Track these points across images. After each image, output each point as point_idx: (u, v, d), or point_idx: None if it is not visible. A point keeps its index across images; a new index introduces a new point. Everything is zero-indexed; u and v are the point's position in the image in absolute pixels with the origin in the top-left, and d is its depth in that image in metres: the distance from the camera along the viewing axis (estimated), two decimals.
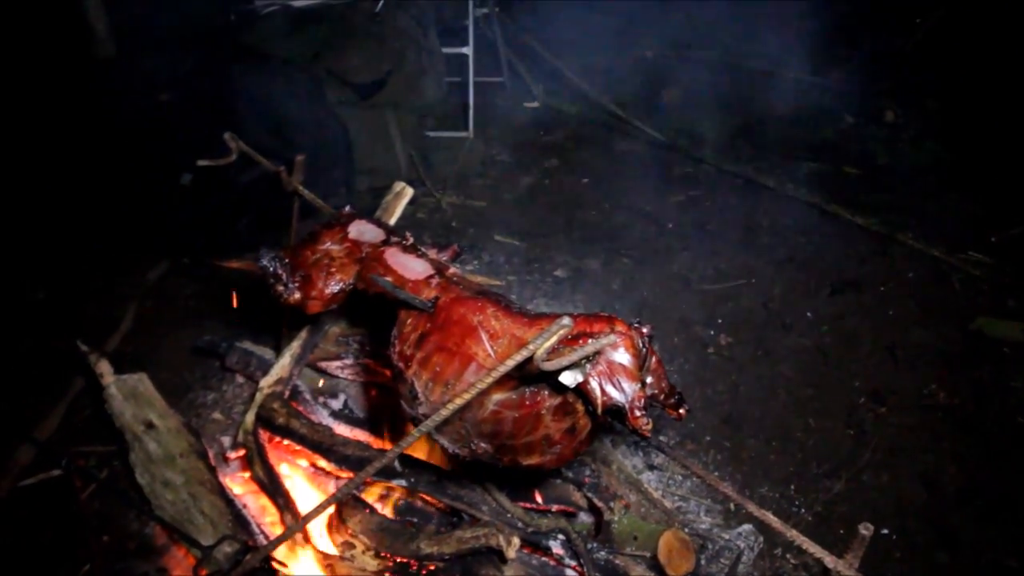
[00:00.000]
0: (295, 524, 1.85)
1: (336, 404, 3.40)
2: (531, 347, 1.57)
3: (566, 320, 1.56)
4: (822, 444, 3.64)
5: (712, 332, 4.34)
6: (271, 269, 2.41)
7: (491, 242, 5.16)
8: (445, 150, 6.41)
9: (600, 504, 2.79)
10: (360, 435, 3.12)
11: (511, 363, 1.58)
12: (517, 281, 4.72)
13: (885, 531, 3.22)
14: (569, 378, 1.73)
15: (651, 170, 6.16)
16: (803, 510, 3.31)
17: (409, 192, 3.42)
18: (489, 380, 1.61)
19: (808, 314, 4.49)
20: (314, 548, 2.62)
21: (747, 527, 2.66)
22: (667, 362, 4.02)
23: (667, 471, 3.43)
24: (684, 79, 7.39)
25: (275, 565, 2.52)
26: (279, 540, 1.93)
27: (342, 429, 3.12)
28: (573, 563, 2.52)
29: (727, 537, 2.65)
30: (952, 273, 4.80)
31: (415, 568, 2.54)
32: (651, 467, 3.44)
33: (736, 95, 7.21)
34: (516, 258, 4.97)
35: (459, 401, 1.63)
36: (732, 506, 3.26)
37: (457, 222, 5.45)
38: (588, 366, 1.74)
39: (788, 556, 3.10)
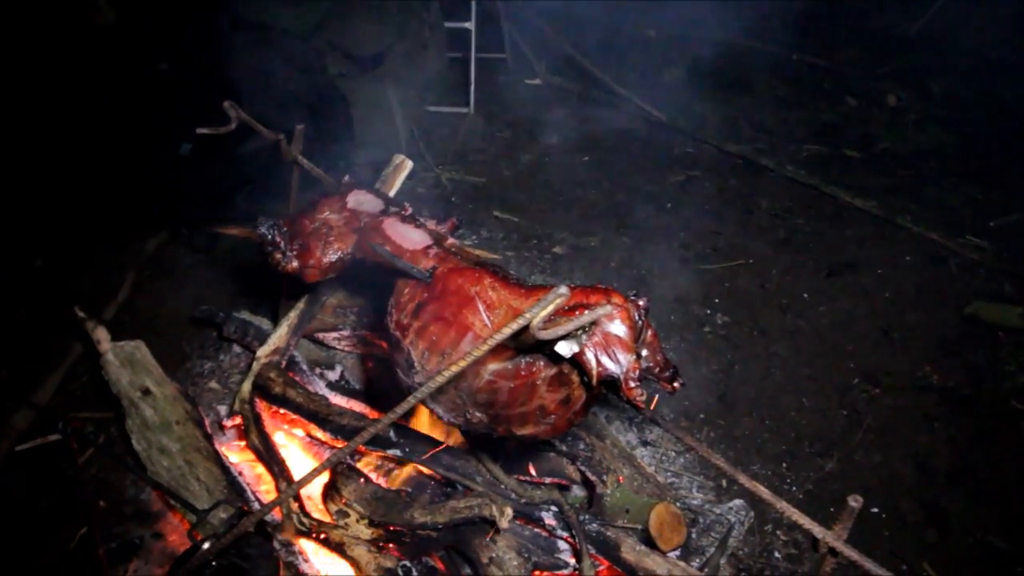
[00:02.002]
0: (289, 488, 1.86)
1: (333, 375, 3.42)
2: (527, 315, 1.57)
3: (563, 289, 1.56)
4: (815, 423, 3.66)
5: (709, 311, 4.35)
6: (269, 237, 2.41)
7: (490, 218, 5.15)
8: (446, 125, 6.38)
9: (593, 478, 2.81)
10: (356, 406, 3.13)
11: (507, 331, 1.59)
12: (515, 257, 4.72)
13: (875, 509, 3.26)
14: (565, 348, 1.74)
15: (651, 149, 6.15)
16: (794, 488, 3.34)
17: (408, 165, 3.41)
18: (485, 347, 1.61)
19: (805, 295, 4.50)
20: (309, 516, 2.64)
21: (738, 502, 2.69)
22: (663, 340, 4.03)
23: (660, 447, 3.45)
24: (686, 59, 7.34)
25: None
26: (273, 504, 1.95)
27: (338, 400, 3.14)
28: (565, 534, 2.54)
29: (718, 511, 2.67)
30: (950, 257, 4.81)
31: (409, 537, 2.57)
32: (645, 443, 3.46)
33: (738, 76, 7.18)
34: (515, 234, 4.97)
35: (455, 368, 1.63)
36: (724, 482, 3.29)
37: (456, 197, 5.45)
38: (584, 337, 1.75)
39: (778, 533, 3.13)
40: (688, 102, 6.82)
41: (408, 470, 2.82)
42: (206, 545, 2.01)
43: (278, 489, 2.75)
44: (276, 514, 2.72)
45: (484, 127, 6.48)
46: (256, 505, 2.76)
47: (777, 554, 3.05)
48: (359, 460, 2.89)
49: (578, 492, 2.92)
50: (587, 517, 2.56)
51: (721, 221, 5.23)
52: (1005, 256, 4.79)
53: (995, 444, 3.56)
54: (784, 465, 3.44)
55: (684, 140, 6.32)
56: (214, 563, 2.10)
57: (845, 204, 5.38)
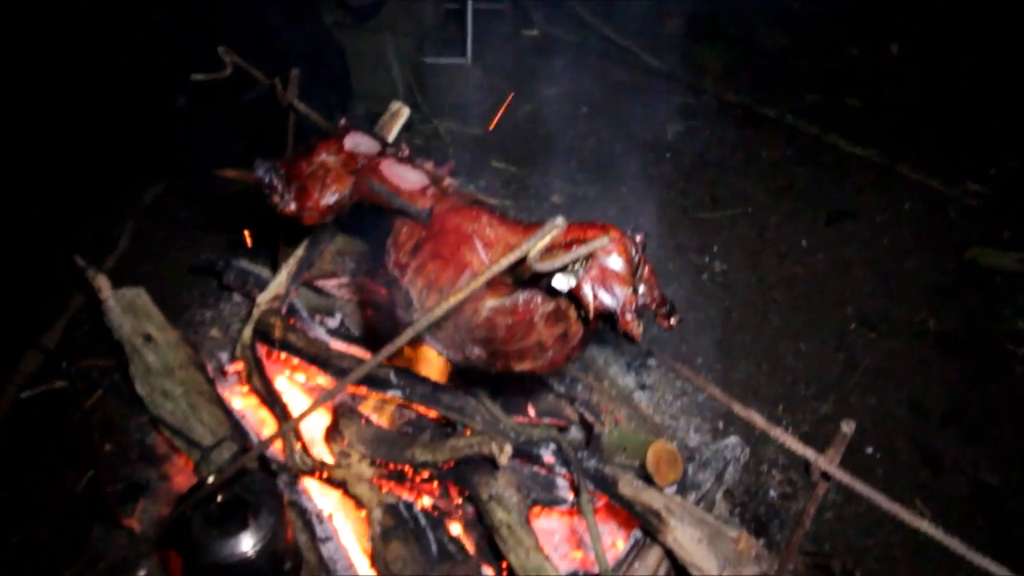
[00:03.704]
0: (289, 422, 1.90)
1: (332, 322, 3.44)
2: (524, 247, 1.58)
3: (559, 220, 1.57)
4: (812, 367, 3.70)
5: (707, 259, 4.36)
6: (267, 180, 2.41)
7: (487, 168, 5.14)
8: (443, 76, 6.32)
9: (591, 418, 2.85)
10: (357, 352, 3.16)
11: (504, 263, 1.60)
12: (513, 206, 4.72)
13: (870, 449, 3.31)
14: (562, 282, 1.75)
15: (651, 100, 6.09)
16: (791, 429, 3.39)
17: (406, 112, 3.39)
18: (483, 279, 1.62)
19: (803, 242, 4.51)
20: (311, 456, 2.68)
21: (733, 439, 2.73)
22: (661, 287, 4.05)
23: (658, 391, 3.49)
24: (686, 8, 7.23)
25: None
26: (274, 436, 1.98)
27: (338, 346, 3.17)
28: (564, 471, 2.58)
29: (714, 449, 2.72)
30: (949, 204, 4.81)
31: (410, 475, 2.61)
32: (642, 387, 3.50)
33: (738, 25, 7.08)
34: (513, 184, 4.96)
35: (452, 301, 1.65)
36: (721, 424, 3.34)
37: (454, 148, 5.42)
38: (581, 270, 1.76)
39: (773, 472, 3.19)
40: (688, 52, 6.75)
41: (408, 412, 2.86)
42: (211, 480, 2.05)
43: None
44: (279, 455, 2.77)
45: (482, 78, 6.41)
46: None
47: (772, 492, 3.10)
48: (361, 403, 2.93)
49: (576, 433, 2.97)
50: (585, 454, 2.60)
51: (720, 170, 5.21)
52: (1005, 203, 4.78)
53: (989, 386, 3.60)
54: (780, 407, 3.49)
55: (684, 90, 6.27)
56: (219, 497, 2.14)
57: (845, 152, 5.36)
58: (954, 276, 4.25)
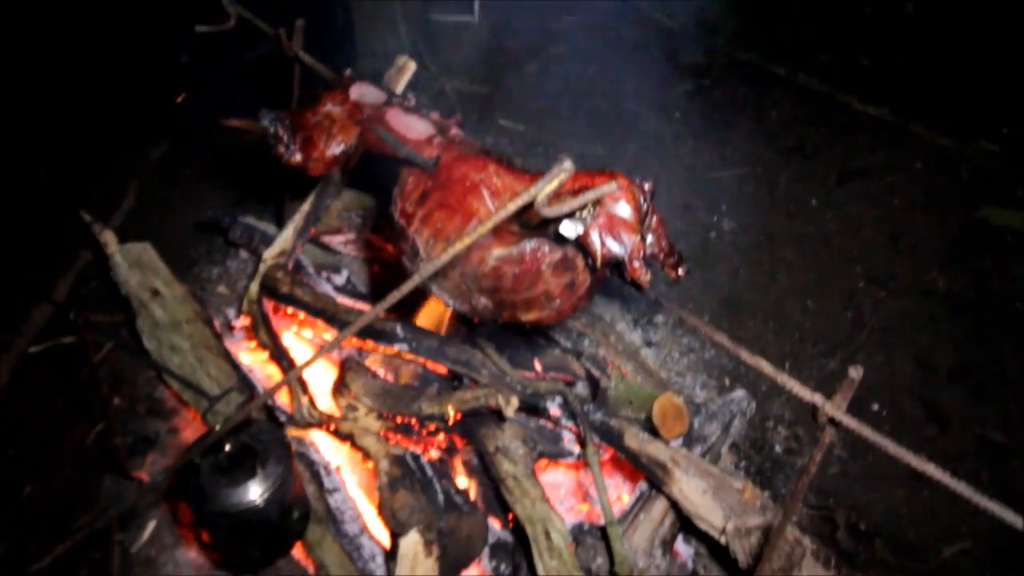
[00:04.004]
0: (292, 371, 1.90)
1: (339, 279, 3.44)
2: (532, 191, 1.56)
3: (567, 164, 1.55)
4: (819, 326, 3.69)
5: (715, 218, 4.33)
6: (272, 130, 2.39)
7: (495, 126, 5.09)
8: (450, 34, 6.22)
9: (597, 373, 2.86)
10: (364, 308, 3.16)
11: (512, 207, 1.58)
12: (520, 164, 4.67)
13: (876, 407, 3.31)
14: (570, 229, 1.74)
15: (660, 58, 5.98)
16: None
17: (412, 66, 3.35)
18: (490, 224, 1.61)
19: (813, 202, 4.46)
20: (317, 407, 2.70)
21: (739, 393, 2.73)
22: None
23: (664, 348, 3.49)
24: None
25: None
26: (279, 385, 1.98)
27: (345, 302, 3.17)
28: (570, 424, 2.59)
29: (720, 402, 2.72)
30: (961, 163, 4.74)
31: (416, 428, 2.63)
32: (649, 344, 3.50)
33: None
34: (520, 142, 4.92)
35: (458, 246, 1.63)
36: (727, 381, 3.34)
37: (461, 107, 5.36)
38: (588, 217, 1.75)
39: (779, 428, 3.20)
40: (700, 10, 6.63)
41: (415, 366, 2.87)
42: (218, 428, 2.06)
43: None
44: (287, 408, 2.78)
45: (489, 36, 6.32)
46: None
47: (778, 447, 3.11)
48: (367, 357, 2.94)
49: (582, 389, 2.97)
50: (591, 407, 2.60)
51: (730, 129, 5.15)
52: (1017, 162, 4.71)
53: (997, 344, 3.58)
54: (787, 365, 3.48)
55: (695, 48, 6.16)
56: (227, 447, 2.16)
57: (857, 111, 5.28)
58: (965, 235, 4.20)
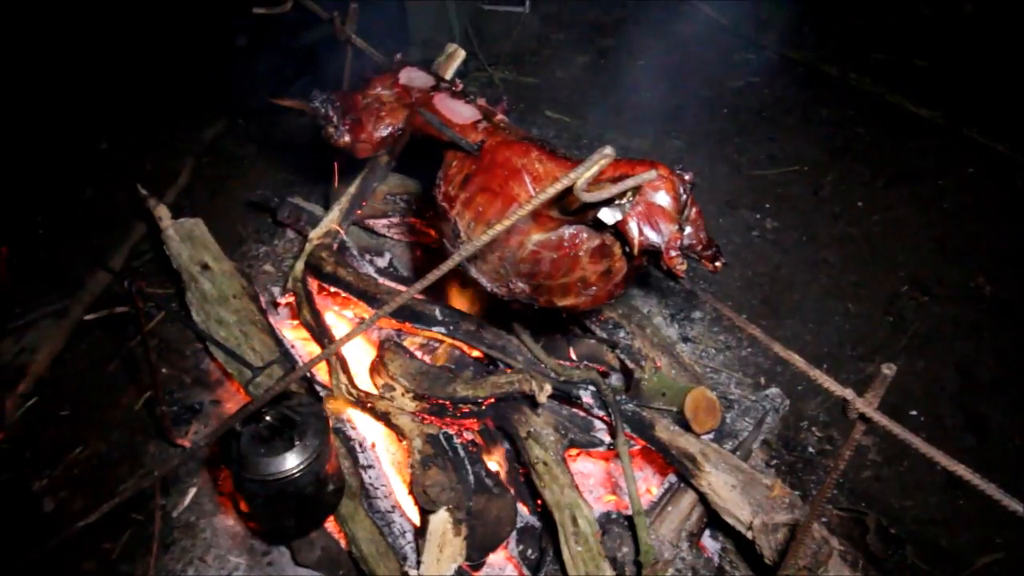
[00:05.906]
0: (331, 346, 1.95)
1: (382, 262, 3.50)
2: (572, 175, 1.59)
3: (608, 150, 1.57)
4: (859, 329, 3.65)
5: (758, 216, 4.30)
6: (323, 111, 2.45)
7: (541, 117, 5.12)
8: (500, 24, 6.26)
9: (632, 364, 2.87)
10: (404, 291, 3.22)
11: (551, 191, 1.61)
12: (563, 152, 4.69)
13: (914, 412, 3.27)
14: (608, 215, 1.76)
15: (710, 54, 5.95)
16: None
17: (461, 54, 3.38)
18: (530, 207, 1.63)
19: (859, 203, 4.41)
20: (355, 385, 2.76)
21: (774, 390, 2.72)
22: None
23: (701, 344, 3.49)
24: None
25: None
26: (317, 359, 2.04)
27: (386, 284, 3.22)
28: (601, 414, 2.62)
29: (754, 398, 2.71)
30: (1015, 170, 4.64)
31: (451, 409, 2.67)
32: (685, 339, 3.50)
33: None
34: (565, 133, 4.94)
35: (498, 227, 1.66)
36: (763, 379, 3.32)
37: (508, 97, 5.38)
38: (628, 205, 1.77)
39: (813, 429, 3.18)
40: (752, 7, 6.56)
41: (451, 349, 2.92)
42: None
43: (328, 361, 2.87)
44: (327, 386, 2.85)
45: (539, 27, 6.34)
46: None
47: (810, 448, 3.09)
48: (405, 339, 2.99)
49: (616, 381, 2.99)
50: (623, 397, 2.62)
51: (777, 128, 5.11)
52: None
53: None
54: (824, 366, 3.44)
55: (746, 45, 6.12)
56: (268, 417, 2.23)
57: (909, 114, 5.19)
58: (1014, 243, 4.11)
